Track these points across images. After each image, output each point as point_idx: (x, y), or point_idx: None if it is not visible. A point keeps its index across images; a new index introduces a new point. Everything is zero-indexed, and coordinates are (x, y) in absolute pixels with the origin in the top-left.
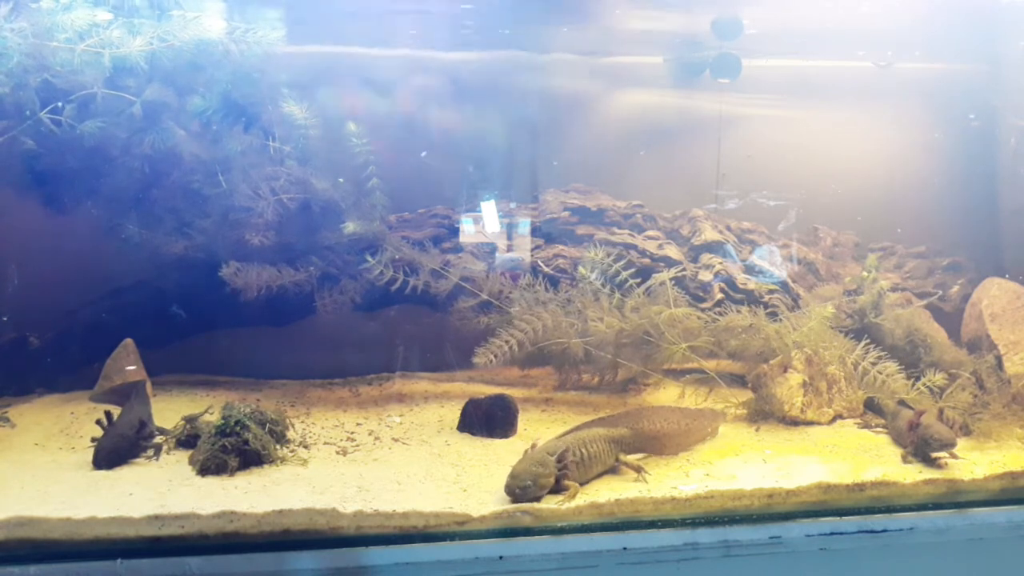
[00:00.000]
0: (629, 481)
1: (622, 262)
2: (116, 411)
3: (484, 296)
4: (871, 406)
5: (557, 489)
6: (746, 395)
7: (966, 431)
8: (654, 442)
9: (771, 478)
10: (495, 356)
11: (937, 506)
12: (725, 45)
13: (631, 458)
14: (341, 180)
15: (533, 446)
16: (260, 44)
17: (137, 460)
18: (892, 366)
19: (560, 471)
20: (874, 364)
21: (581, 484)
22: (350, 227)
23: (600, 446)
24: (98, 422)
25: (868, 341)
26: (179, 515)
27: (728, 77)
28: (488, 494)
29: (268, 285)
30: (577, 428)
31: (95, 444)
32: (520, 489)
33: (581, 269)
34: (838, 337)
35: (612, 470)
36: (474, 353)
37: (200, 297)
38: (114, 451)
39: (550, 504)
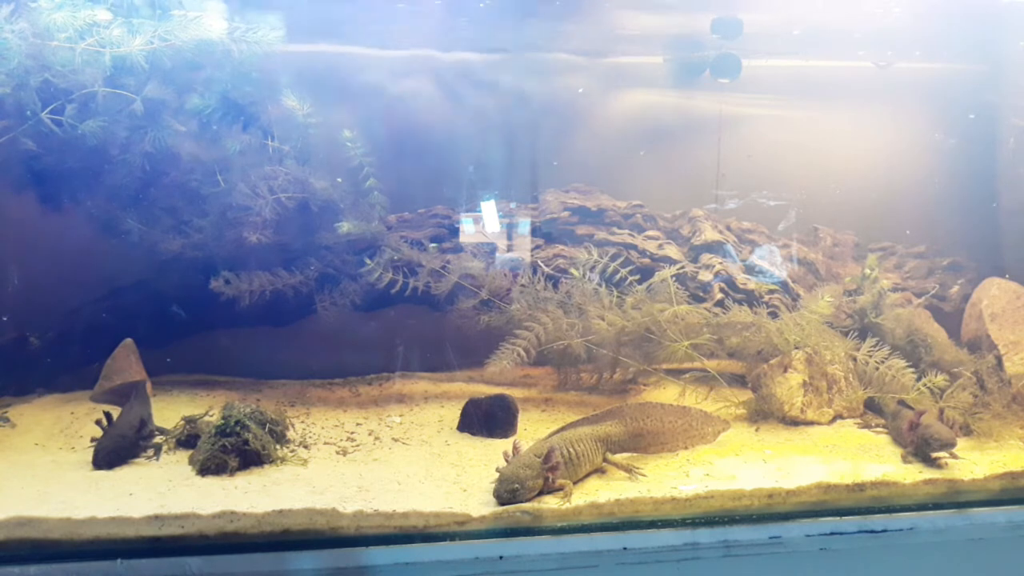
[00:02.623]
0: (624, 481)
1: (619, 260)
2: (116, 411)
3: (484, 295)
4: (871, 406)
5: (548, 490)
6: (746, 395)
7: (967, 431)
8: (641, 440)
9: (771, 478)
10: (507, 364)
11: (937, 506)
12: (725, 45)
13: (619, 457)
14: (339, 180)
15: (515, 449)
16: (260, 44)
17: (137, 460)
18: (900, 362)
19: (548, 471)
20: (883, 361)
21: (573, 482)
22: (345, 227)
23: (587, 445)
24: (98, 422)
25: (875, 339)
26: (179, 515)
27: (728, 77)
28: (488, 494)
29: (262, 291)
30: (563, 428)
31: (95, 444)
32: (508, 492)
33: (573, 271)
34: (838, 337)
35: (601, 470)
36: (474, 352)
37: (200, 297)
38: (114, 451)
39: (550, 504)
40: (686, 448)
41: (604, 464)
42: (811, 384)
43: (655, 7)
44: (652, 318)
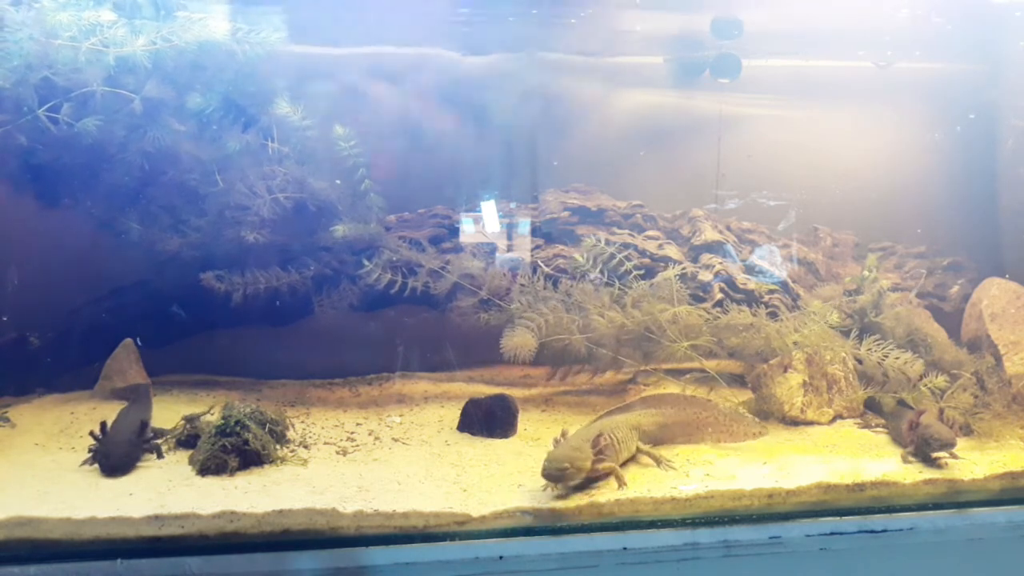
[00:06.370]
0: (637, 477)
1: (623, 253)
2: (117, 411)
3: (484, 295)
4: (871, 406)
5: (595, 477)
6: (746, 395)
7: (967, 431)
8: (668, 430)
9: (771, 478)
10: (529, 336)
11: (937, 506)
12: (725, 45)
13: (648, 447)
14: (338, 181)
15: (563, 435)
16: (263, 45)
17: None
18: (907, 354)
19: (596, 455)
20: (886, 356)
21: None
22: (341, 230)
23: (624, 433)
24: (92, 434)
25: (876, 336)
26: (179, 515)
27: (728, 77)
28: (488, 494)
29: (261, 290)
30: (599, 417)
31: (95, 453)
32: (558, 471)
33: (576, 256)
34: (838, 337)
35: (634, 458)
36: (474, 352)
37: (200, 297)
38: (126, 456)
39: (553, 503)
40: (715, 443)
41: (636, 452)
42: (811, 384)
43: (655, 7)
44: (652, 317)
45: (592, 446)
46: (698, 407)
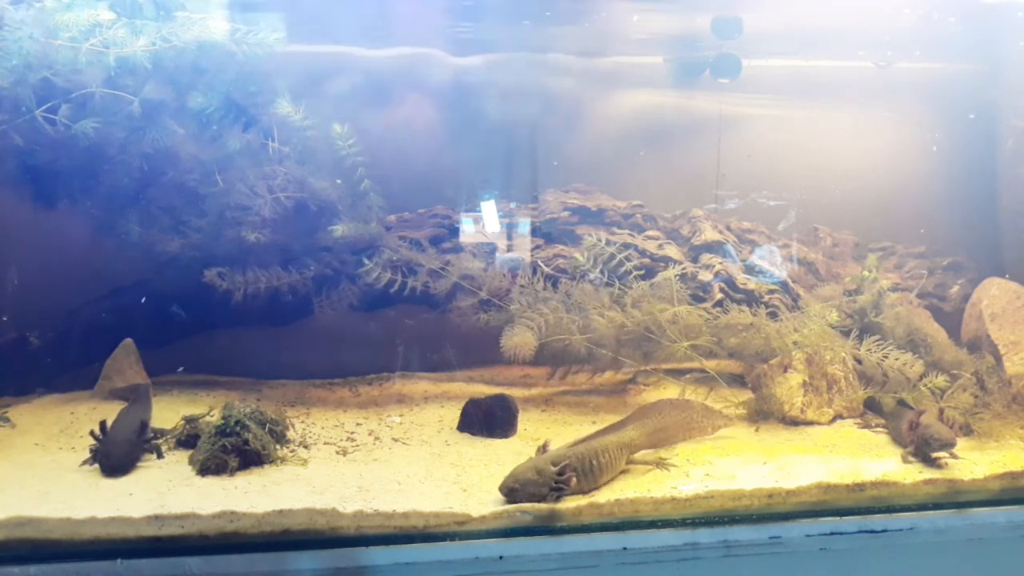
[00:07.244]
0: (637, 478)
1: (623, 253)
2: (117, 411)
3: (484, 295)
4: (871, 406)
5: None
6: (746, 395)
7: (967, 431)
8: (653, 437)
9: (771, 478)
10: (529, 336)
11: (937, 506)
12: (725, 45)
13: (642, 455)
14: (339, 181)
15: (544, 446)
16: (263, 45)
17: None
18: (906, 355)
19: (557, 484)
20: (886, 357)
21: (587, 492)
22: (340, 229)
23: (612, 454)
24: (92, 434)
25: (876, 336)
26: (179, 515)
27: (728, 77)
28: (488, 494)
29: (261, 290)
30: (591, 436)
31: (95, 452)
32: (507, 490)
33: (576, 255)
34: (838, 337)
35: (624, 470)
36: (474, 352)
37: (200, 297)
38: (126, 456)
39: (553, 503)
40: (685, 440)
41: (627, 466)
42: (811, 384)
43: (655, 7)
44: (652, 317)
45: (558, 473)
46: (679, 409)
